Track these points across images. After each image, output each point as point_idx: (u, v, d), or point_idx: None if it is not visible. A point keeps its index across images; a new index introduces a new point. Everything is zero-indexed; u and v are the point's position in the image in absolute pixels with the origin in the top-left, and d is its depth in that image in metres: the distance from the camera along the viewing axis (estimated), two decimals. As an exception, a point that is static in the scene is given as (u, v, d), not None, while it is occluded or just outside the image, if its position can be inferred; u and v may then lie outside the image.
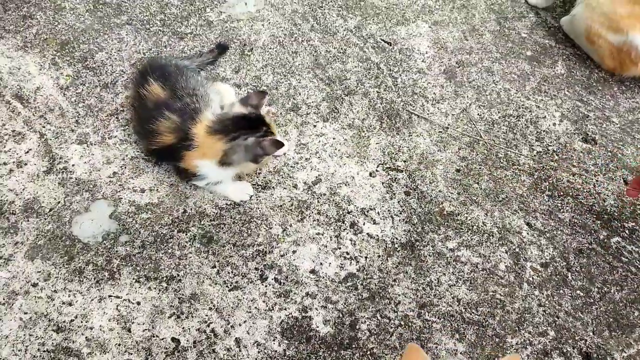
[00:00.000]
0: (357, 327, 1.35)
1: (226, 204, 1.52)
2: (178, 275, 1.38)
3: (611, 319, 1.41)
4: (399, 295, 1.40)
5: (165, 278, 1.38)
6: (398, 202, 1.57)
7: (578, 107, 1.85)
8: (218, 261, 1.41)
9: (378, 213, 1.54)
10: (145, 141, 1.47)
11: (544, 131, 1.77)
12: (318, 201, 1.55)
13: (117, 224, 1.45)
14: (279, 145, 1.38)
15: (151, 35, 1.88)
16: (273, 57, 1.86)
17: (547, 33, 2.07)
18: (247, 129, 1.37)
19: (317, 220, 1.51)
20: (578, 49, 1.98)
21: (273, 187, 1.56)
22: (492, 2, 2.13)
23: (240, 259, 1.42)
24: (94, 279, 1.36)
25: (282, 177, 1.58)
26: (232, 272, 1.40)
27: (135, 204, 1.49)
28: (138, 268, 1.38)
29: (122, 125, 1.64)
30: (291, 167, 1.61)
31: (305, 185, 1.58)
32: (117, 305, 1.33)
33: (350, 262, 1.45)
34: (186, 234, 1.45)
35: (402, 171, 1.63)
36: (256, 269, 1.41)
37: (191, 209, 1.49)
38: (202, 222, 1.47)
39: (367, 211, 1.54)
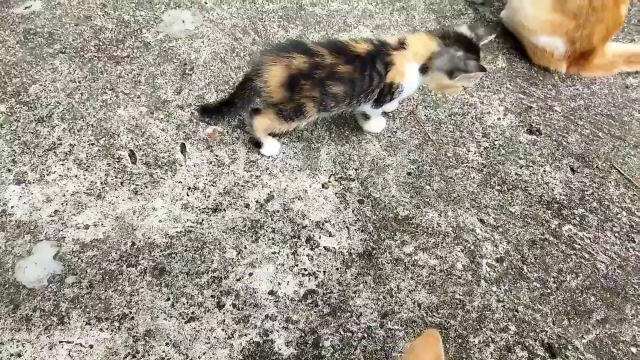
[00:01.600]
0: (321, 344, 1.33)
1: (176, 231, 1.47)
2: (130, 312, 1.33)
3: (569, 307, 1.43)
4: (360, 306, 1.39)
5: (117, 317, 1.32)
6: (352, 211, 1.56)
7: (521, 99, 1.88)
8: (172, 293, 1.37)
9: (333, 225, 1.53)
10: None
11: (489, 126, 1.79)
12: (272, 219, 1.52)
13: (63, 265, 1.39)
14: (482, 69, 1.44)
15: (86, 62, 1.82)
16: (215, 75, 1.82)
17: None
18: (463, 46, 1.46)
19: (272, 238, 1.49)
20: (517, 42, 2.02)
21: (224, 209, 1.53)
22: (431, 2, 2.15)
23: (195, 288, 1.38)
24: (43, 325, 1.30)
25: (233, 198, 1.55)
26: (187, 302, 1.36)
27: (80, 242, 1.43)
28: (87, 309, 1.33)
29: (60, 159, 1.58)
30: (242, 186, 1.58)
31: (257, 204, 1.55)
32: (69, 351, 1.27)
33: (309, 279, 1.43)
34: (136, 268, 1.40)
35: (354, 180, 1.62)
36: (212, 296, 1.38)
37: (140, 241, 1.45)
38: (152, 254, 1.43)
39: (322, 224, 1.53)
